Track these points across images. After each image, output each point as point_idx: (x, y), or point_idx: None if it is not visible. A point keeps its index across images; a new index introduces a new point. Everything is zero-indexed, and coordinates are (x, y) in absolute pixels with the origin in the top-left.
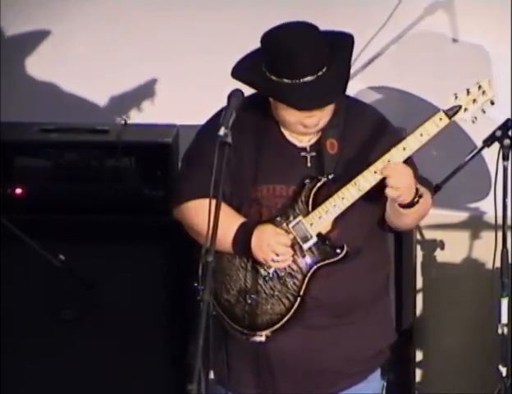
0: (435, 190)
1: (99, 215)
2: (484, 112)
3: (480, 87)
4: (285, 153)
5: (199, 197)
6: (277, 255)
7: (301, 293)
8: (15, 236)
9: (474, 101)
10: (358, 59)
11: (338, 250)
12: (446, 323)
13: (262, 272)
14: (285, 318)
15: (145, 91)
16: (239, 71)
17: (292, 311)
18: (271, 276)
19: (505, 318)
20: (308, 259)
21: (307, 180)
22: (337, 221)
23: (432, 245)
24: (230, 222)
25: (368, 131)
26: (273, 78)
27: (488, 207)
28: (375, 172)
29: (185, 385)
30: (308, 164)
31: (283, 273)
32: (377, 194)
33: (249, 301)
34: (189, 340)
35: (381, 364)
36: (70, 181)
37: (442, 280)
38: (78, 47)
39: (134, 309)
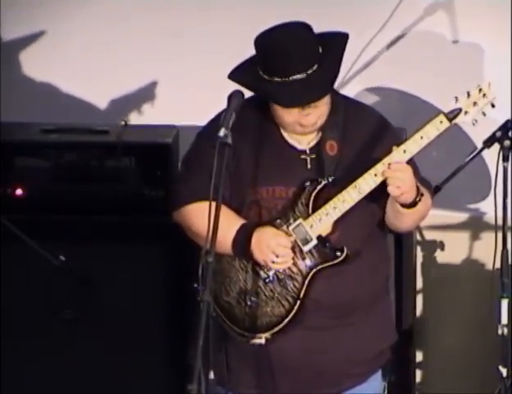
0: (435, 190)
1: (99, 215)
2: (485, 114)
3: (480, 90)
4: (284, 155)
5: (199, 200)
6: (277, 257)
7: (301, 295)
8: (15, 236)
9: (475, 104)
10: (358, 59)
11: (338, 253)
12: (446, 324)
13: (262, 274)
14: (285, 321)
15: (145, 91)
16: (234, 73)
17: (292, 314)
18: (271, 278)
19: (505, 319)
20: (308, 262)
21: (307, 183)
22: (337, 223)
23: (432, 246)
24: (229, 224)
25: (367, 132)
26: (265, 77)
27: (488, 208)
28: (375, 175)
29: (185, 385)
30: (308, 166)
31: (283, 276)
32: (378, 196)
33: (249, 303)
34: (189, 340)
35: (382, 366)
36: (70, 181)
37: (442, 280)
38: (78, 47)
39: (134, 309)
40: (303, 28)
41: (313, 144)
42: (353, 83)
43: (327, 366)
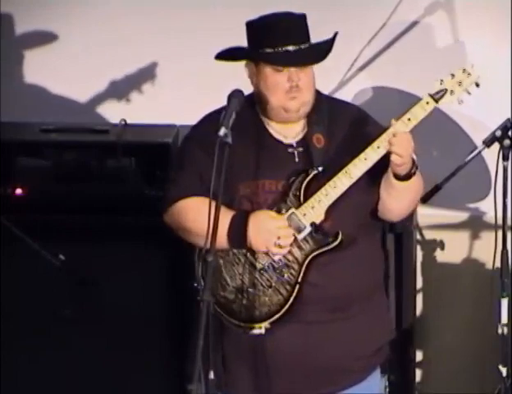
0: (435, 190)
1: (99, 215)
2: (469, 93)
3: (464, 70)
4: (272, 149)
5: (187, 196)
6: (278, 239)
7: (299, 280)
8: (15, 236)
9: (460, 83)
10: (358, 59)
11: (332, 239)
12: (446, 323)
13: (258, 264)
14: (284, 308)
15: (145, 91)
16: (221, 52)
17: (290, 301)
18: (266, 268)
19: (505, 318)
20: (304, 249)
21: (296, 174)
22: (330, 211)
23: (432, 246)
24: (222, 216)
25: (351, 125)
26: (256, 50)
27: (488, 207)
28: (378, 147)
29: (185, 385)
30: (296, 159)
31: (279, 264)
32: (370, 183)
33: (247, 295)
34: (187, 342)
35: (381, 363)
36: (70, 181)
37: (442, 280)
38: (78, 47)
39: (134, 309)
40: (297, 13)
41: (299, 138)
42: (353, 83)
43: (326, 362)
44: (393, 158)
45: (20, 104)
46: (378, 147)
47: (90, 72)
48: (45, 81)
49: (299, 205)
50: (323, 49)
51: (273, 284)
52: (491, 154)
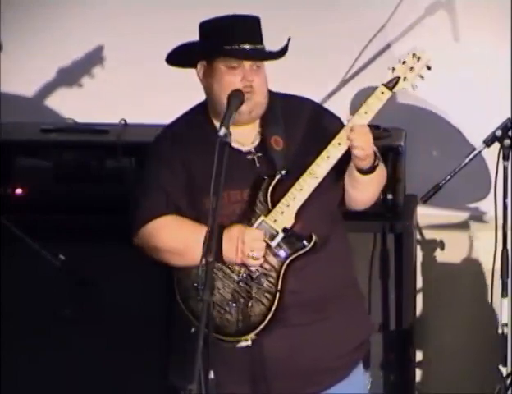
0: (435, 190)
1: (99, 215)
2: (422, 77)
3: (414, 55)
4: (232, 159)
5: (157, 216)
6: (252, 251)
7: (278, 288)
8: (15, 236)
9: (411, 69)
10: (358, 59)
11: (306, 242)
12: (446, 323)
13: (235, 277)
14: (268, 317)
15: (145, 91)
16: (172, 55)
17: (273, 309)
18: (244, 279)
19: (505, 318)
20: (279, 255)
21: (260, 181)
22: (299, 213)
23: (431, 246)
24: (195, 233)
25: (308, 122)
26: (212, 49)
27: (488, 207)
28: (339, 144)
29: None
30: (257, 165)
31: (257, 274)
32: (333, 180)
33: (229, 309)
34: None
35: (363, 357)
36: (70, 181)
37: (442, 280)
38: (77, 46)
39: (134, 309)
40: (251, 15)
41: (256, 143)
42: (353, 83)
43: (308, 364)
44: (356, 152)
45: (20, 104)
46: (339, 143)
47: (90, 72)
48: (45, 81)
49: (268, 212)
50: (277, 53)
51: (253, 295)
52: (491, 154)
